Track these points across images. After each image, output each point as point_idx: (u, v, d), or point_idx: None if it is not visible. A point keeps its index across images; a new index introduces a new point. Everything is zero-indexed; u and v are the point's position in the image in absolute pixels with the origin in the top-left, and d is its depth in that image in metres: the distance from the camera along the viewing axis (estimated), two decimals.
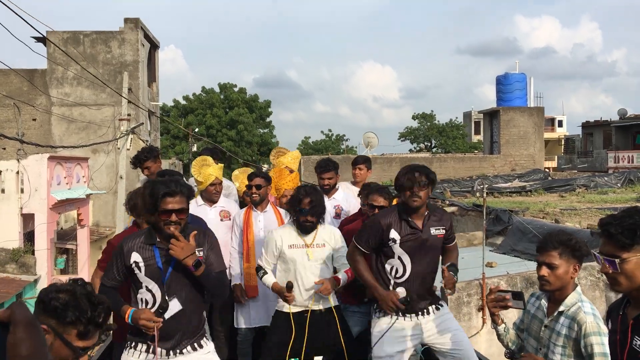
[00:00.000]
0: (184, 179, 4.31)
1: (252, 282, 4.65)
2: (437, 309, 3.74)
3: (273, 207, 4.92)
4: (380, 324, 3.66)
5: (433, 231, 3.65)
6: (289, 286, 3.83)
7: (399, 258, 3.61)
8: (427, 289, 3.71)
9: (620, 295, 2.33)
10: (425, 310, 3.68)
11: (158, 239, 3.14)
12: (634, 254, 2.12)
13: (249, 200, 4.93)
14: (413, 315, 3.64)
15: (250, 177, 4.90)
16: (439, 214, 3.76)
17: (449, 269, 3.67)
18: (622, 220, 2.16)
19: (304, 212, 3.87)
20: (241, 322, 4.76)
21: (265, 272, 4.00)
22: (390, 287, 3.63)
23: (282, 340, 3.90)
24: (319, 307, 3.94)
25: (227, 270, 4.65)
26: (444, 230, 3.70)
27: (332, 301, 4.00)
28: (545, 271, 2.79)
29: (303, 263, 3.89)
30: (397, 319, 3.60)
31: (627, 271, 2.13)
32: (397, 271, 3.62)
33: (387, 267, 3.64)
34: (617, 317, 2.25)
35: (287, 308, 3.93)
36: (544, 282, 2.81)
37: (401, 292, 3.58)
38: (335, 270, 4.04)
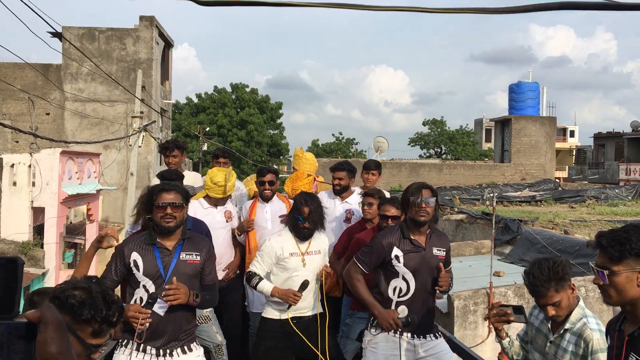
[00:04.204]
0: (182, 179, 4.60)
1: None
2: (435, 337, 3.71)
3: (279, 196, 5.11)
4: (374, 340, 3.62)
5: (435, 251, 3.64)
6: (305, 284, 3.83)
7: (403, 277, 3.57)
8: (427, 312, 3.66)
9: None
10: (422, 335, 3.64)
11: (158, 239, 3.24)
12: (624, 268, 2.10)
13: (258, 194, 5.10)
14: (409, 336, 3.59)
15: (262, 173, 5.02)
16: (440, 235, 3.78)
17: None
18: (615, 233, 2.16)
19: (302, 219, 3.90)
20: (257, 307, 4.73)
21: (261, 279, 3.94)
22: (392, 307, 3.58)
23: (275, 345, 3.90)
24: (310, 313, 3.97)
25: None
26: (444, 252, 3.69)
27: (319, 308, 4.05)
28: (552, 311, 2.78)
29: (301, 271, 3.93)
30: (395, 337, 3.55)
31: (617, 284, 2.12)
32: (400, 290, 3.58)
33: (390, 288, 3.59)
34: (614, 333, 2.25)
35: (277, 315, 3.93)
36: (556, 317, 2.81)
37: (402, 311, 3.55)
38: None
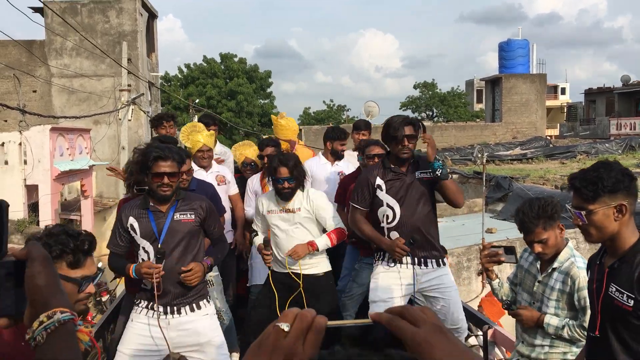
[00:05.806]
0: (179, 146, 4.56)
1: None
2: (438, 264, 3.76)
3: None
4: (377, 271, 3.76)
5: (418, 174, 3.66)
6: (265, 241, 3.96)
7: (388, 205, 3.66)
8: (424, 238, 3.67)
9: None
10: (423, 261, 3.70)
11: (151, 203, 3.31)
12: (599, 206, 2.17)
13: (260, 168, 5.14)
14: (410, 264, 3.66)
15: (261, 147, 5.09)
16: (425, 160, 3.68)
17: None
18: (586, 173, 2.23)
19: (280, 181, 3.90)
20: (257, 280, 4.85)
21: (257, 234, 4.14)
22: (385, 234, 3.69)
23: (266, 297, 4.08)
24: (304, 272, 3.98)
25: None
26: (430, 174, 3.64)
27: (322, 267, 4.06)
28: (539, 248, 2.84)
29: (281, 228, 3.98)
30: (394, 267, 3.67)
31: (596, 222, 2.19)
32: (387, 217, 3.67)
33: (379, 215, 3.70)
34: (595, 266, 2.34)
35: (279, 269, 4.08)
36: (542, 255, 2.87)
37: (393, 236, 3.64)
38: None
